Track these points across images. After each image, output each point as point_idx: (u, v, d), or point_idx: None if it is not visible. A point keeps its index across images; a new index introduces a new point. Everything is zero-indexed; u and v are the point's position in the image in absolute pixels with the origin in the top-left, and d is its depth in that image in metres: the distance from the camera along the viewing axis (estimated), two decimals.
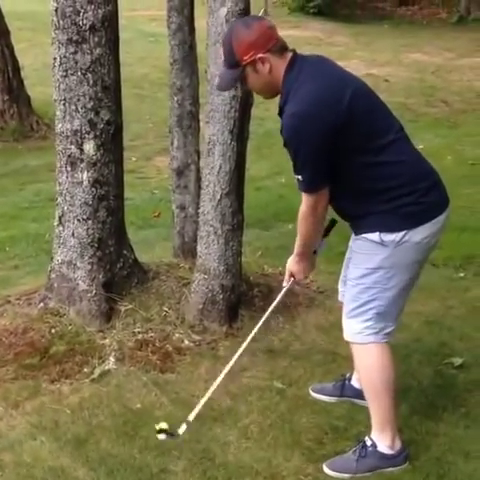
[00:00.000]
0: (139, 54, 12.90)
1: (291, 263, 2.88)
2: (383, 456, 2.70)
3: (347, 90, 2.49)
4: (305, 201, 2.60)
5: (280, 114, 2.60)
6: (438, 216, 2.60)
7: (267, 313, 2.95)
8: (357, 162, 2.54)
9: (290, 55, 2.55)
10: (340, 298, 3.01)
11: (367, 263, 2.60)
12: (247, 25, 2.54)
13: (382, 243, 2.55)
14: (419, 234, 2.55)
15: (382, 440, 2.71)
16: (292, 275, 2.89)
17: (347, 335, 2.73)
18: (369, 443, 2.72)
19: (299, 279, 2.92)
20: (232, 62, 2.53)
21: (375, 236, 2.56)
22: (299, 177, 2.53)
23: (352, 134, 2.48)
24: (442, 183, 2.67)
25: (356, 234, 2.68)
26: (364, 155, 2.53)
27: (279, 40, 2.54)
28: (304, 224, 2.68)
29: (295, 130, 2.46)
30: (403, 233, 2.53)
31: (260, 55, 2.49)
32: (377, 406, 2.71)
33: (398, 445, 2.72)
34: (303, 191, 2.58)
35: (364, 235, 2.60)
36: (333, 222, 2.94)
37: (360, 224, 2.63)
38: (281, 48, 2.54)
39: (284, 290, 2.94)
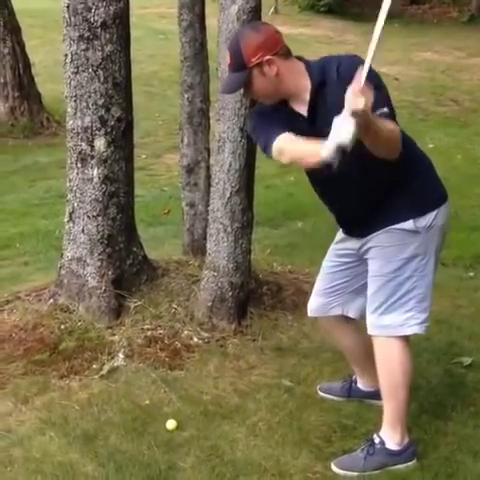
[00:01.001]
0: (149, 51, 12.91)
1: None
2: (390, 453, 2.70)
3: None
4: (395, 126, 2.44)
5: (311, 110, 2.49)
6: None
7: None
8: None
9: (295, 59, 2.57)
10: (325, 312, 2.92)
11: (401, 254, 2.59)
12: (255, 28, 2.60)
13: (416, 230, 2.57)
14: (441, 217, 2.61)
15: (391, 437, 2.70)
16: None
17: (380, 331, 2.67)
18: (377, 441, 2.71)
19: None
20: (239, 64, 2.52)
21: (409, 224, 2.57)
22: (385, 109, 2.38)
23: None
24: None
25: (371, 232, 2.63)
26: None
27: (285, 45, 2.55)
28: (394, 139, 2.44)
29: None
30: (435, 214, 2.58)
31: (268, 57, 2.48)
32: (395, 401, 2.69)
33: (405, 441, 2.72)
34: (392, 119, 2.44)
35: (393, 226, 2.58)
36: None
37: (384, 216, 2.60)
38: (287, 52, 2.55)
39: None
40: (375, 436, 2.73)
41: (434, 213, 2.59)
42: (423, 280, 2.62)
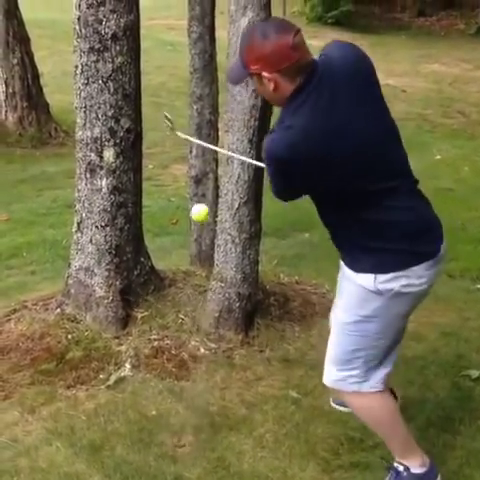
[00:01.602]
0: (157, 62, 12.95)
1: None
2: (419, 477, 2.59)
3: (336, 149, 2.23)
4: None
5: None
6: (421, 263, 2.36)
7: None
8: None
9: (300, 81, 2.23)
10: None
11: (360, 310, 2.43)
12: (265, 36, 2.20)
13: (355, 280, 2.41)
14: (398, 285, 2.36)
15: (411, 461, 2.60)
16: None
17: (327, 381, 2.61)
18: (401, 468, 2.60)
19: None
20: (241, 63, 2.30)
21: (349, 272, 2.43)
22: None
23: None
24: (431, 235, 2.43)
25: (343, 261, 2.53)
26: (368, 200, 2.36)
27: (296, 63, 2.19)
28: None
29: (267, 161, 2.30)
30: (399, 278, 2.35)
31: (265, 74, 2.22)
32: (395, 437, 2.62)
33: (427, 460, 2.61)
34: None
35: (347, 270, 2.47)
36: None
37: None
38: (296, 71, 2.21)
39: None
40: (396, 465, 2.62)
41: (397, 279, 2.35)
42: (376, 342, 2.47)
